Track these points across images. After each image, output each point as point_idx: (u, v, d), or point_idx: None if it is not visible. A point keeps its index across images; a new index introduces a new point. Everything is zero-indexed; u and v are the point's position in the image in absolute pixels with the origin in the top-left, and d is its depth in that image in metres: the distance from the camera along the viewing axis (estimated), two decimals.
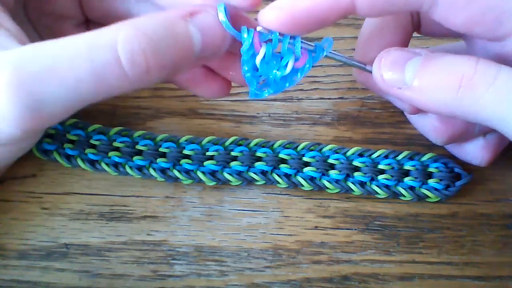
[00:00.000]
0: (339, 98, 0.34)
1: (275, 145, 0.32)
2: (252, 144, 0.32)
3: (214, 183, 0.32)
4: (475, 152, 0.30)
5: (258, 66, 0.25)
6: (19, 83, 0.20)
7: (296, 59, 0.25)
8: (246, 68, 0.25)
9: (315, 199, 0.33)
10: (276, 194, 0.33)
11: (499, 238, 0.32)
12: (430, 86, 0.23)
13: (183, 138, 0.32)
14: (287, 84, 0.26)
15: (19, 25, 0.24)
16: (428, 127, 0.29)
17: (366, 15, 0.24)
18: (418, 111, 0.28)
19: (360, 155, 0.32)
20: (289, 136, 0.34)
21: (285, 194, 0.33)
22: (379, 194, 0.32)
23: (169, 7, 0.24)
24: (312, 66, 0.25)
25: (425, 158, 0.32)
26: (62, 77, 0.20)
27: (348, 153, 0.32)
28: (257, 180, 0.32)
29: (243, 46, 0.24)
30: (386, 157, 0.32)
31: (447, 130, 0.28)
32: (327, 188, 0.32)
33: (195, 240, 0.32)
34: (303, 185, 0.32)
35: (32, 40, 0.23)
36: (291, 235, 0.32)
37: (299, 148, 0.32)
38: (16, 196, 0.33)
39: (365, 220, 0.32)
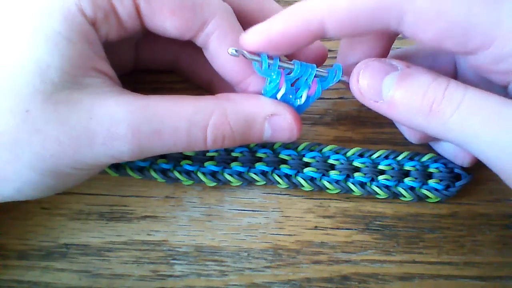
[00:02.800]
0: (339, 98, 0.34)
1: (275, 146, 0.32)
2: (252, 145, 0.32)
3: (214, 183, 0.32)
4: (456, 152, 0.30)
5: (278, 99, 0.28)
6: (134, 137, 0.25)
7: (308, 89, 0.28)
8: None
9: (315, 199, 0.33)
10: (276, 194, 0.33)
11: (499, 238, 0.32)
12: (404, 105, 0.24)
13: None
14: (301, 111, 0.29)
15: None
16: (402, 126, 0.29)
17: (336, 37, 0.26)
18: None
19: (360, 155, 0.32)
20: None
21: (285, 194, 0.33)
22: (379, 194, 0.32)
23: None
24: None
25: (425, 158, 0.32)
26: (165, 140, 0.25)
27: (348, 154, 0.32)
28: (257, 181, 0.32)
29: (269, 85, 0.27)
30: (386, 157, 0.32)
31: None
32: (327, 188, 0.32)
33: (195, 240, 0.32)
34: (303, 186, 0.32)
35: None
36: (291, 235, 0.32)
37: (299, 148, 0.32)
38: None
39: (365, 220, 0.32)
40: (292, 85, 0.28)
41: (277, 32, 0.25)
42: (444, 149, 0.31)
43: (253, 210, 0.33)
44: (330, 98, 0.34)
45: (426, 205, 0.32)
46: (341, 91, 0.34)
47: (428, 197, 0.32)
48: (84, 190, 0.33)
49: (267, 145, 0.32)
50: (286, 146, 0.32)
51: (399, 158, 0.32)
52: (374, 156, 0.32)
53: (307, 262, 0.32)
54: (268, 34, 0.25)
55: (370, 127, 0.34)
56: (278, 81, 0.27)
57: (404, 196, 0.32)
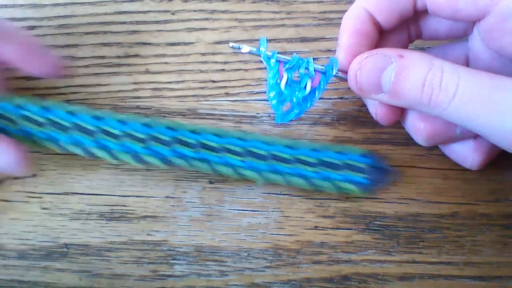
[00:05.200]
0: (339, 98, 0.34)
1: (202, 131, 0.31)
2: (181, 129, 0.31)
3: (134, 162, 0.30)
4: (465, 154, 0.30)
5: (283, 90, 0.28)
6: None
7: (311, 80, 0.28)
8: (272, 94, 0.28)
9: (315, 199, 0.33)
10: (276, 194, 0.33)
11: (499, 238, 0.32)
12: (405, 98, 0.26)
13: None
14: (309, 104, 0.29)
15: None
16: (409, 126, 0.29)
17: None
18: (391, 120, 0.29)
19: (288, 147, 0.31)
20: (289, 136, 0.34)
21: (285, 194, 0.33)
22: (300, 184, 0.31)
23: None
24: (327, 85, 0.29)
25: (352, 152, 0.31)
26: None
27: (276, 144, 0.31)
28: (177, 164, 0.30)
29: (269, 72, 0.28)
30: (312, 150, 0.31)
31: (426, 129, 0.28)
32: (245, 175, 0.31)
33: (195, 240, 0.32)
34: (224, 172, 0.31)
35: None
36: (291, 235, 0.32)
37: (226, 134, 0.31)
38: (16, 196, 0.33)
39: (365, 220, 0.32)
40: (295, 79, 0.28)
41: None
42: (453, 151, 0.30)
43: (253, 210, 0.33)
44: (330, 98, 0.34)
45: (426, 205, 0.32)
46: (341, 91, 0.34)
47: (351, 190, 0.31)
48: (84, 190, 0.33)
49: (194, 130, 0.31)
50: (215, 133, 0.31)
51: (324, 150, 0.31)
52: (300, 147, 0.31)
53: (307, 262, 0.32)
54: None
55: (370, 127, 0.34)
56: (277, 67, 0.28)
57: (325, 188, 0.31)
